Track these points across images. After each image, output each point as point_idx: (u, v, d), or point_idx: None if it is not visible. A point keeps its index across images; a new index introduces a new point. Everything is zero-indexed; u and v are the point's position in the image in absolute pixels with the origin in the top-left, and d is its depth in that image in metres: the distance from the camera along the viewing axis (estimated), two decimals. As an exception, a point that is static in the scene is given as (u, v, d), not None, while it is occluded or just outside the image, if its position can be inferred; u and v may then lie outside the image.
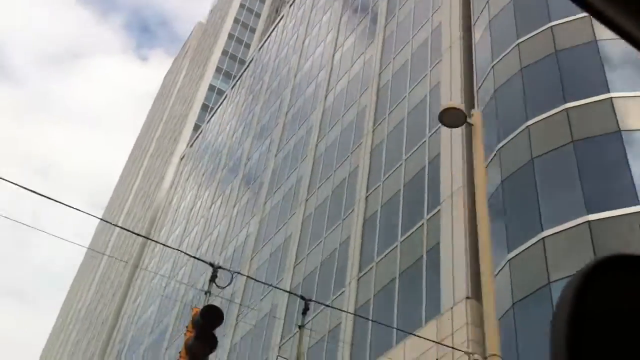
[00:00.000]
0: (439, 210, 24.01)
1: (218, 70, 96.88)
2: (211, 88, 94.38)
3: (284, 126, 47.25)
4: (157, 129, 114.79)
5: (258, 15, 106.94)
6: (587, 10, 1.43)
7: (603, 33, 21.36)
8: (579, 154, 19.83)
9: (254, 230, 41.68)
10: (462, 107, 14.46)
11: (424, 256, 23.58)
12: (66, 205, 11.68)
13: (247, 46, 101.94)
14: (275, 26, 66.02)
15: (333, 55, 44.10)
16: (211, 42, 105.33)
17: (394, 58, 34.41)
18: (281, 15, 65.90)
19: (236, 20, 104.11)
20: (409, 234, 25.16)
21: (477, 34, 27.48)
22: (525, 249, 19.30)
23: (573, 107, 20.86)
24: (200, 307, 11.00)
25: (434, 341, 20.49)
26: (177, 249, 13.26)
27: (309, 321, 28.58)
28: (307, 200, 36.36)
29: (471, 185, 23.54)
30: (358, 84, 37.76)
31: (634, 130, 19.87)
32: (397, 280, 24.45)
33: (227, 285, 12.18)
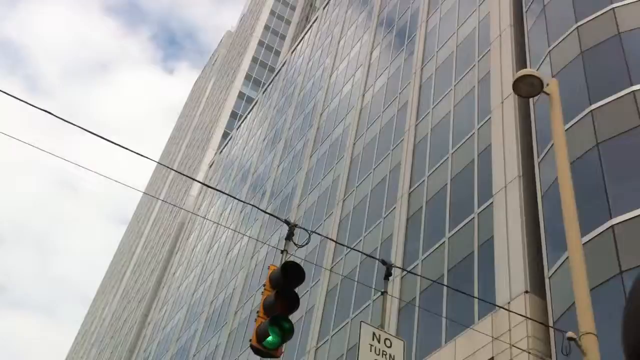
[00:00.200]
0: (491, 203, 22.57)
1: (247, 77, 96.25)
2: (240, 95, 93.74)
3: (318, 128, 46.10)
4: (185, 137, 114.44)
5: (288, 23, 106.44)
6: None
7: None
8: (652, 137, 18.37)
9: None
10: (538, 74, 13.07)
11: (476, 251, 22.12)
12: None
13: (277, 53, 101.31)
14: (310, 27, 65.08)
15: (371, 53, 42.94)
16: (241, 49, 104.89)
17: (437, 52, 33.12)
18: (315, 17, 64.98)
19: (266, 27, 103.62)
20: (457, 229, 23.73)
21: (530, 21, 26.11)
22: (594, 237, 17.78)
23: (643, 88, 19.40)
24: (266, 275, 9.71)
25: (488, 336, 19.02)
26: (251, 204, 12.01)
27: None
28: (344, 200, 35.06)
29: (528, 175, 22.12)
30: (398, 80, 36.50)
31: None
32: (444, 278, 23.00)
33: (305, 244, 10.91)
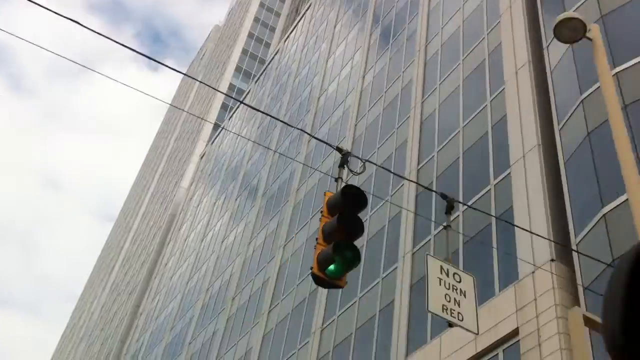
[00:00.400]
0: (509, 174, 21.89)
1: (238, 69, 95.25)
2: (231, 87, 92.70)
3: (315, 112, 45.31)
4: (174, 130, 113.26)
5: (278, 15, 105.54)
6: None
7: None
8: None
9: (287, 218, 39.63)
10: (581, 17, 12.34)
11: (493, 223, 21.43)
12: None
13: (267, 45, 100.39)
14: (303, 15, 64.25)
15: (370, 35, 42.20)
16: (230, 42, 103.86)
17: (442, 28, 32.43)
18: (309, 4, 64.16)
19: (256, 20, 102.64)
20: (471, 202, 23.02)
21: (543, -9, 25.45)
22: (621, 202, 17.13)
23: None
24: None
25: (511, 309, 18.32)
26: (298, 128, 11.19)
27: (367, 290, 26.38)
28: (347, 182, 34.28)
29: (547, 144, 21.47)
30: (401, 59, 35.80)
31: None
32: (459, 253, 22.29)
33: (361, 173, 10.12)
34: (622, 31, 20.83)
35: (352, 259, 8.11)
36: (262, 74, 68.49)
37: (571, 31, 12.07)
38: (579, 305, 17.10)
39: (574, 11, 22.70)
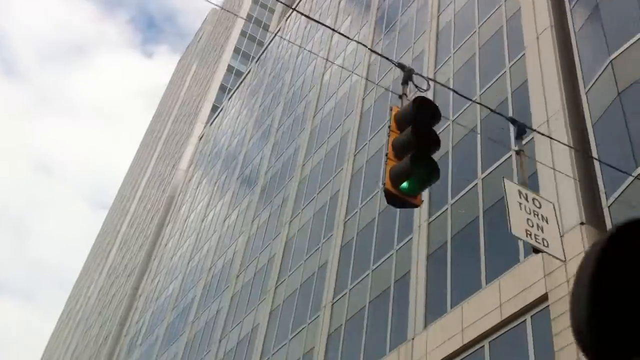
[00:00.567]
0: (532, 139, 21.20)
1: (236, 51, 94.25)
2: (229, 69, 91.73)
3: (320, 88, 44.52)
4: (171, 113, 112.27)
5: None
6: None
7: None
8: None
9: (292, 194, 38.94)
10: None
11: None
12: None
13: (266, 27, 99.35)
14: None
15: (377, 9, 41.35)
16: (229, 23, 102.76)
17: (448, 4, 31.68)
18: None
19: (255, 1, 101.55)
20: (492, 168, 22.36)
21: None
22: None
23: None
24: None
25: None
26: (362, 44, 10.36)
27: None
28: (355, 154, 33.60)
29: (572, 107, 20.82)
30: (411, 31, 35.03)
31: None
32: (479, 220, 21.64)
33: (426, 90, 9.36)
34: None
35: (430, 172, 7.38)
36: (263, 52, 67.59)
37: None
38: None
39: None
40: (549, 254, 8.98)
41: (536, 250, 8.94)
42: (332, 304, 27.78)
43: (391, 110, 8.30)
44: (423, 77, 9.11)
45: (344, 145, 35.75)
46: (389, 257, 25.57)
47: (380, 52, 37.12)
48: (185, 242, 56.91)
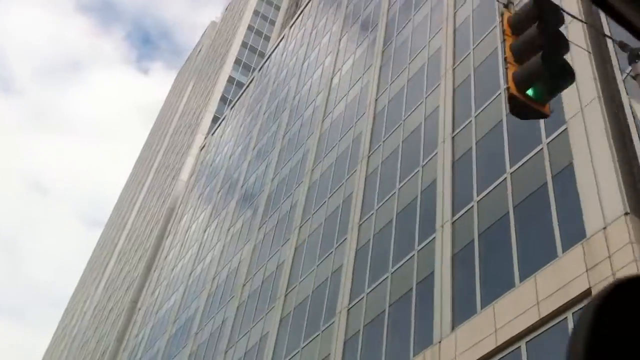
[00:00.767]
0: (565, 129, 20.06)
1: (237, 62, 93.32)
2: (230, 80, 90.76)
3: (329, 94, 43.45)
4: (169, 126, 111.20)
5: (278, 8, 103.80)
6: None
7: None
8: None
9: (301, 199, 37.71)
10: None
11: (550, 182, 19.56)
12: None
13: (267, 39, 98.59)
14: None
15: (388, 9, 40.37)
16: (229, 34, 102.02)
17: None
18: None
19: (255, 13, 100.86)
20: (522, 162, 21.16)
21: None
22: None
23: None
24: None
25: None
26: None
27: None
28: (369, 156, 32.41)
29: (607, 95, 19.71)
30: (428, 23, 34.01)
31: None
32: (510, 215, 20.41)
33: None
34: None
35: (562, 73, 6.09)
36: (266, 60, 66.63)
37: None
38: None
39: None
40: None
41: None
42: (348, 309, 26.47)
43: (502, 15, 7.06)
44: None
45: (356, 147, 34.58)
46: (409, 258, 24.30)
47: (392, 50, 36.10)
48: (187, 253, 55.52)
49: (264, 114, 56.34)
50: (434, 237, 23.45)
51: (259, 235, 41.14)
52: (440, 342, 20.04)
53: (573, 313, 16.56)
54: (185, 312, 46.84)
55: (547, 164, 20.10)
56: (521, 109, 6.22)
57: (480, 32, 28.61)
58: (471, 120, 25.41)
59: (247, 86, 69.21)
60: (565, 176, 19.13)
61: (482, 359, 18.18)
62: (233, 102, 71.67)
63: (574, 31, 21.73)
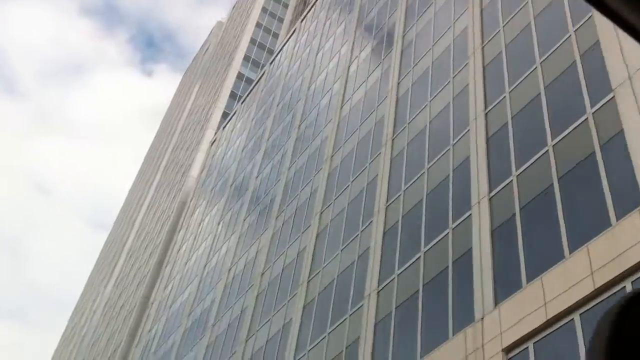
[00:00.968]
0: (612, 98, 19.30)
1: (246, 58, 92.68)
2: (239, 76, 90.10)
3: (347, 81, 42.72)
4: (177, 124, 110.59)
5: (286, 6, 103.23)
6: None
7: None
8: None
9: (322, 184, 36.95)
10: None
11: (598, 152, 18.81)
12: None
13: (275, 36, 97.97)
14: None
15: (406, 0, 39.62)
16: (238, 31, 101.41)
17: (501, -31, 29.88)
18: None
19: (264, 10, 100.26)
20: (564, 135, 20.40)
21: None
22: None
23: None
24: None
25: None
26: None
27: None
28: (393, 139, 31.66)
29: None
30: (450, 11, 33.25)
31: None
32: (554, 188, 19.65)
33: None
34: None
35: None
36: (278, 53, 65.97)
37: None
38: None
39: None
40: None
41: None
42: (378, 292, 25.69)
43: None
44: None
45: (379, 131, 33.85)
46: (443, 237, 23.53)
47: (411, 37, 35.29)
48: (200, 246, 54.79)
49: (278, 105, 55.64)
50: (470, 214, 22.68)
51: (277, 224, 40.41)
52: (482, 318, 19.26)
53: (632, 282, 15.79)
54: (201, 304, 46.10)
55: (593, 133, 19.35)
56: None
57: (509, 11, 27.91)
58: (505, 96, 24.66)
59: (259, 80, 68.54)
60: (615, 145, 18.37)
61: (532, 333, 17.40)
62: (244, 97, 71.01)
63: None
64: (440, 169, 26.29)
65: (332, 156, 38.08)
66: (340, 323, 27.00)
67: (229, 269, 44.21)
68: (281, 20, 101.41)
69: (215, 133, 79.06)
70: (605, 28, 21.16)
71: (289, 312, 32.06)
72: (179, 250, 62.25)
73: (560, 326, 16.90)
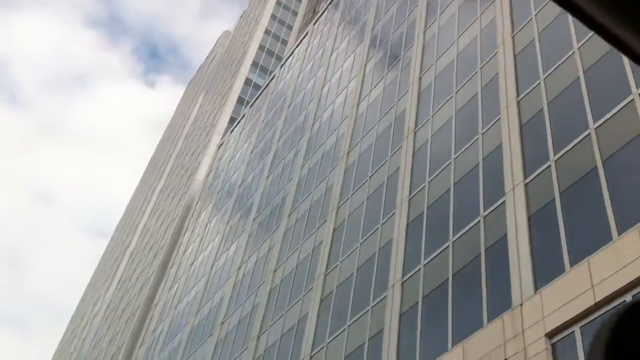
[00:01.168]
0: (659, 76, 18.53)
1: (254, 64, 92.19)
2: (247, 82, 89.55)
3: (365, 74, 42.05)
4: (182, 131, 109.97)
5: (295, 13, 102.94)
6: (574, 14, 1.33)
7: None
8: None
9: (338, 180, 36.14)
10: None
11: (644, 132, 18.03)
12: None
13: (284, 42, 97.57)
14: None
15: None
16: (246, 38, 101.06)
17: None
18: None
19: (273, 17, 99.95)
20: (607, 117, 19.64)
21: None
22: None
23: None
24: None
25: None
26: None
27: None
28: (415, 132, 30.90)
29: None
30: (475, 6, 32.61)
31: None
32: (599, 170, 18.85)
33: None
34: None
35: None
36: (289, 57, 65.41)
37: None
38: None
39: None
40: None
41: None
42: (402, 283, 24.82)
43: None
44: None
45: (399, 124, 33.11)
46: (474, 225, 22.69)
47: (437, 26, 34.71)
48: (207, 246, 53.88)
49: (289, 106, 54.95)
50: (504, 201, 21.87)
51: (289, 221, 39.57)
52: (521, 305, 18.39)
53: (689, 261, 14.96)
54: (209, 302, 45.15)
55: None
56: None
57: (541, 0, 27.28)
58: (540, 83, 23.93)
59: (268, 83, 67.95)
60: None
61: (578, 317, 16.54)
62: (252, 101, 70.39)
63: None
64: (469, 158, 25.52)
65: (348, 152, 37.32)
66: (362, 315, 26.11)
67: (239, 267, 43.31)
68: (290, 27, 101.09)
69: (222, 137, 78.34)
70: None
71: (305, 306, 31.15)
72: (184, 251, 61.35)
73: (610, 309, 16.05)
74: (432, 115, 30.47)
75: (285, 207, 41.39)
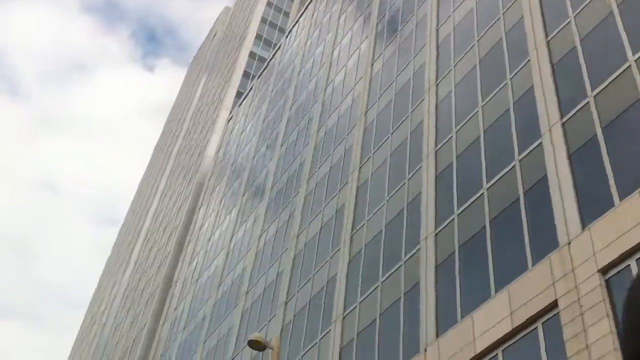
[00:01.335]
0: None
1: (258, 37, 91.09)
2: (252, 55, 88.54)
3: (377, 34, 41.11)
4: (187, 110, 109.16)
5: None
6: None
7: None
8: None
9: (358, 140, 35.40)
10: None
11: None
12: None
13: (286, 14, 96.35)
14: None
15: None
16: (247, 12, 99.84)
17: None
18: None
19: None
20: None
21: None
22: None
23: None
24: None
25: None
26: None
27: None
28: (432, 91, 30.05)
29: None
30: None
31: None
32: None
33: None
34: None
35: None
36: (294, 25, 64.37)
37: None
38: None
39: None
40: None
41: None
42: (435, 234, 24.18)
43: None
44: None
45: (419, 79, 32.29)
46: (509, 170, 21.98)
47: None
48: (224, 219, 53.37)
49: (299, 73, 54.08)
50: (541, 142, 21.15)
51: (309, 186, 38.92)
52: (569, 243, 17.71)
53: None
54: (231, 274, 44.68)
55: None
56: None
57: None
58: (570, 21, 23.07)
59: (274, 54, 66.98)
60: None
61: (633, 249, 15.85)
62: (259, 72, 69.47)
63: None
64: (498, 104, 24.73)
65: (366, 112, 36.55)
66: (395, 271, 25.51)
67: (259, 237, 42.76)
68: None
69: (230, 112, 77.53)
70: None
71: (333, 268, 30.58)
72: (200, 227, 60.87)
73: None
74: (454, 66, 29.63)
75: (304, 173, 40.72)
